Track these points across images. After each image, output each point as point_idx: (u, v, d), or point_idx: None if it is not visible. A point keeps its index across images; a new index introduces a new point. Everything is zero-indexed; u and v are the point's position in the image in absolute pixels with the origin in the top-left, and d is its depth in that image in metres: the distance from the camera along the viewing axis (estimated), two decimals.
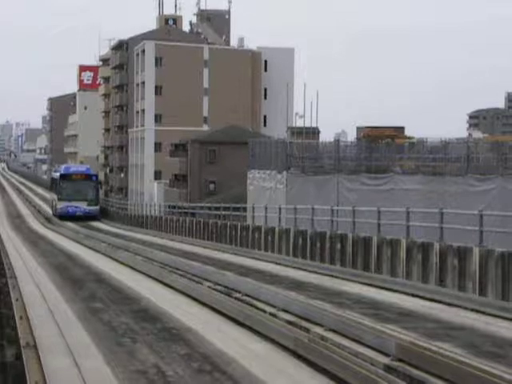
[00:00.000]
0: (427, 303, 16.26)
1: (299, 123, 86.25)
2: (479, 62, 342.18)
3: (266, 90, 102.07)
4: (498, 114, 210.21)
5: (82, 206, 64.71)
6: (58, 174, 69.04)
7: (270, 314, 14.60)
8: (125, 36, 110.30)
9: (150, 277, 21.75)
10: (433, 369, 9.80)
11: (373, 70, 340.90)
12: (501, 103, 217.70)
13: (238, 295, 16.94)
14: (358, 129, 76.83)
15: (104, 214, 68.50)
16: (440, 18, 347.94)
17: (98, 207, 66.80)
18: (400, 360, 10.48)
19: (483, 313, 14.78)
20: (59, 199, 65.21)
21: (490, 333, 12.84)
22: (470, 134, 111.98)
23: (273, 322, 13.39)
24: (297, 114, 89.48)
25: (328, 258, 25.94)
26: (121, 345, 12.32)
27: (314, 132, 76.43)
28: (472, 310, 15.15)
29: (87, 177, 67.52)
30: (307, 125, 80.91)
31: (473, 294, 17.95)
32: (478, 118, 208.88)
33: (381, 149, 42.34)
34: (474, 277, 18.05)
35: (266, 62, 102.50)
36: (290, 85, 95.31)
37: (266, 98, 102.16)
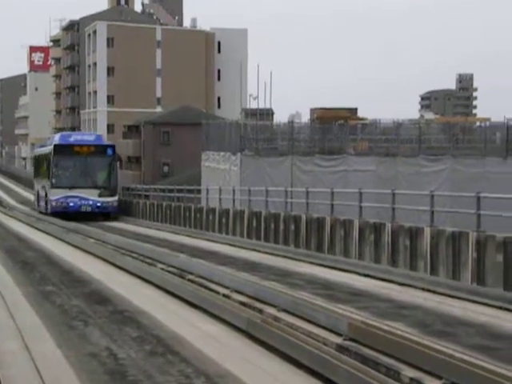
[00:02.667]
0: (379, 283, 16.39)
1: (253, 105, 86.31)
2: (432, 43, 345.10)
3: (219, 71, 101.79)
4: (450, 95, 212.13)
5: (91, 197, 42.11)
6: (49, 148, 44.78)
7: (224, 295, 14.61)
8: (76, 16, 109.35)
9: (102, 259, 21.61)
10: (385, 348, 9.88)
11: (327, 52, 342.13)
12: (452, 84, 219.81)
13: (191, 277, 16.92)
14: (312, 110, 77.00)
15: None
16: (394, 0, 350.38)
17: (115, 198, 43.48)
18: (352, 339, 10.54)
19: (434, 292, 14.95)
20: (53, 186, 42.52)
21: (441, 312, 12.98)
22: (421, 115, 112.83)
23: (226, 304, 13.39)
24: (250, 95, 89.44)
25: (282, 239, 26.01)
26: (72, 328, 12.23)
27: (267, 113, 76.55)
28: (423, 289, 15.31)
29: (99, 150, 43.62)
30: (261, 106, 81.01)
31: (424, 273, 18.13)
32: (429, 100, 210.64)
33: (334, 130, 42.51)
34: (426, 256, 18.23)
35: (219, 42, 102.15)
36: (244, 66, 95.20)
37: (219, 79, 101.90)
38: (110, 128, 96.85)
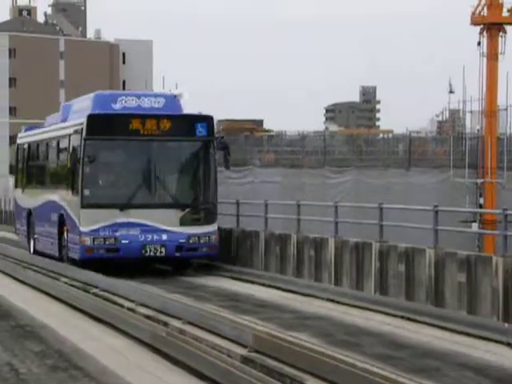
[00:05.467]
0: (284, 294, 16.50)
1: None
2: (336, 57, 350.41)
3: (124, 82, 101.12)
4: (353, 107, 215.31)
5: (165, 227, 19.61)
6: (72, 125, 20.92)
7: (128, 308, 14.45)
8: None
9: (3, 273, 21.15)
10: (289, 359, 9.92)
11: (232, 64, 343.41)
12: (356, 97, 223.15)
13: (95, 291, 16.68)
14: (219, 122, 77.14)
15: None
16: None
17: (215, 228, 20.52)
18: (257, 351, 10.55)
19: (338, 302, 15.11)
20: (85, 204, 19.45)
21: (345, 322, 13.14)
22: (326, 127, 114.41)
23: (130, 317, 13.25)
24: None
25: None
26: None
27: None
28: (328, 299, 15.48)
29: (180, 126, 20.31)
30: None
31: (329, 283, 18.29)
32: (334, 112, 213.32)
33: (240, 142, 42.68)
34: (330, 267, 18.39)
35: (123, 54, 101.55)
36: (149, 77, 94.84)
37: (124, 90, 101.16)
38: (13, 139, 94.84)
